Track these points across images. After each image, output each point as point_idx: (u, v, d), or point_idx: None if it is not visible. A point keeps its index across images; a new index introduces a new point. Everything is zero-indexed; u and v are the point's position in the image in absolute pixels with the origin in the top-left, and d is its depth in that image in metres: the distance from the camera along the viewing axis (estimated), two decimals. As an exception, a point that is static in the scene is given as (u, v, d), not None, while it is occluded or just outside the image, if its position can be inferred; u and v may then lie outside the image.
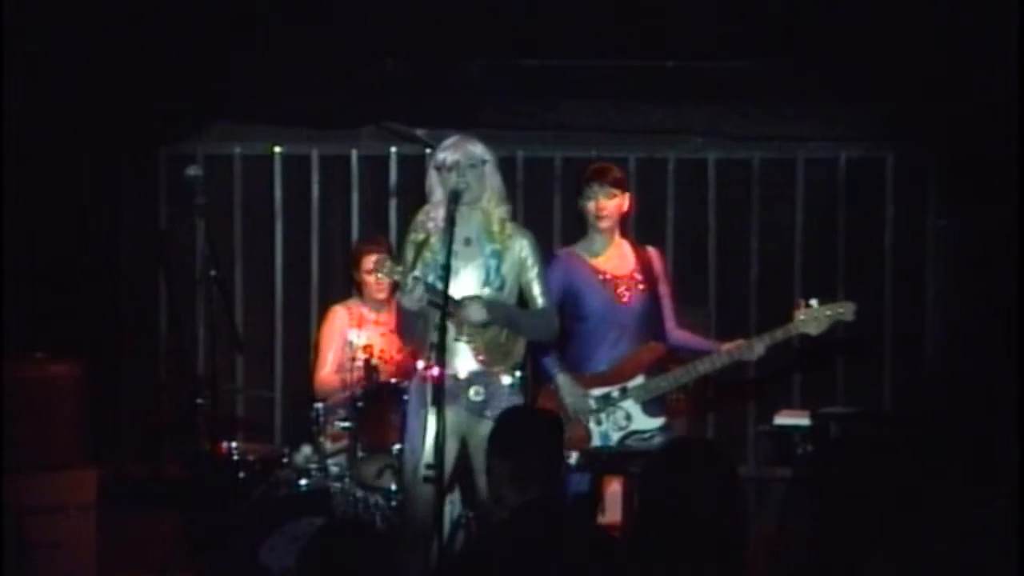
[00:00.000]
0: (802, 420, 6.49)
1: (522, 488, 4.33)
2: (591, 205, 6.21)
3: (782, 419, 6.59)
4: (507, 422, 4.65)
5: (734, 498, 3.58)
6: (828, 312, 6.13)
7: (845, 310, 6.15)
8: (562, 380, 6.07)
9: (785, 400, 7.57)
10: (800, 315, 6.13)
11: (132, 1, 7.23)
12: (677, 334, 6.28)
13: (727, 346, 6.17)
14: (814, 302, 6.14)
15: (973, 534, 6.12)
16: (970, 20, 7.07)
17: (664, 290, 6.29)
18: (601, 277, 6.19)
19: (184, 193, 6.55)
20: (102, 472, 6.92)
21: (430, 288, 5.51)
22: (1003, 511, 6.09)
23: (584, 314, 6.13)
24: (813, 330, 6.14)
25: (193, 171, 6.25)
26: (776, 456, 7.38)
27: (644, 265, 6.25)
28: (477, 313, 5.56)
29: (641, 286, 6.21)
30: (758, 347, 6.14)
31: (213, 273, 6.20)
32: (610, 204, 6.21)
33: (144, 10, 7.19)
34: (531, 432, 4.50)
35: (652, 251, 6.34)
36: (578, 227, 6.42)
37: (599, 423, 6.09)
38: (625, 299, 6.18)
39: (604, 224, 6.22)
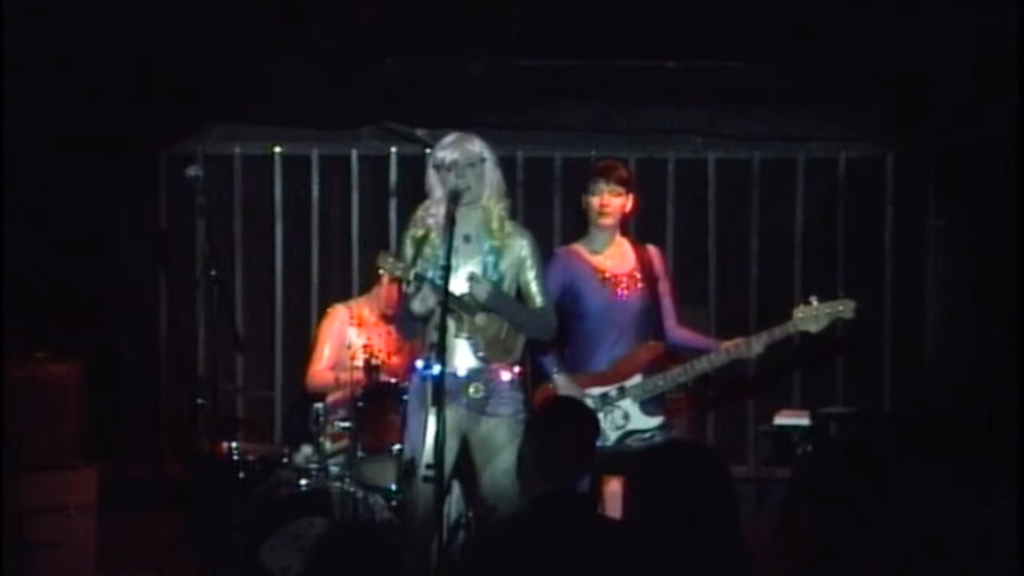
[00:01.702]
0: (802, 420, 6.50)
1: (547, 476, 4.33)
2: (595, 201, 6.18)
3: (782, 419, 6.60)
4: (541, 409, 4.67)
5: (725, 497, 3.59)
6: (828, 310, 6.10)
7: (845, 308, 6.12)
8: (560, 379, 6.05)
9: (785, 400, 7.57)
10: (799, 313, 6.10)
11: (132, 2, 7.23)
12: (677, 332, 6.26)
13: (726, 344, 6.15)
14: (814, 300, 6.12)
15: (973, 534, 6.12)
16: (970, 20, 7.07)
17: (664, 288, 6.27)
18: (601, 275, 6.18)
19: (184, 193, 6.55)
20: (102, 472, 6.92)
21: (432, 284, 5.50)
22: (1003, 511, 6.09)
23: (584, 312, 6.12)
24: (813, 328, 6.11)
25: (193, 171, 6.24)
26: (776, 456, 7.38)
27: (644, 264, 6.23)
28: (482, 290, 5.56)
29: (641, 284, 6.20)
30: (757, 345, 6.12)
31: (213, 273, 6.19)
32: (614, 202, 6.19)
33: (144, 11, 7.19)
34: (562, 421, 4.52)
35: (652, 249, 6.32)
36: (579, 225, 6.40)
37: (597, 422, 6.08)
38: (625, 297, 6.17)
39: (606, 221, 6.20)
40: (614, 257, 6.23)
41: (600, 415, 6.07)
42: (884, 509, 6.28)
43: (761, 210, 7.90)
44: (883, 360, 7.86)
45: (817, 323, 6.09)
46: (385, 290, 6.67)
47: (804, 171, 7.87)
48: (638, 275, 6.20)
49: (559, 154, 7.87)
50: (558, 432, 4.45)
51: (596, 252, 6.21)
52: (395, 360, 6.59)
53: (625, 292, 6.17)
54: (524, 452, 4.51)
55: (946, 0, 7.15)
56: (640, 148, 7.84)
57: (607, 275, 6.18)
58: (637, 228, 7.74)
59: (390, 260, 5.62)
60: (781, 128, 7.80)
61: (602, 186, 6.18)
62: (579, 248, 6.24)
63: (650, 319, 6.20)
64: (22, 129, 7.09)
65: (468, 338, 5.63)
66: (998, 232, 7.34)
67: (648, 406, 6.11)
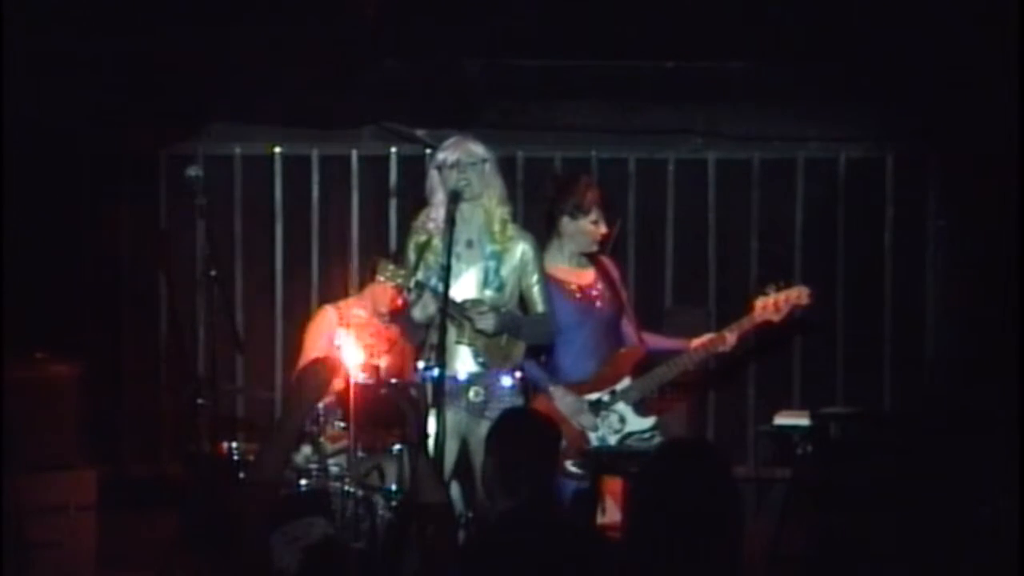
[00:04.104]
0: (802, 420, 6.50)
1: (509, 491, 4.31)
2: (594, 229, 6.19)
3: (782, 419, 6.60)
4: (498, 425, 4.64)
5: (729, 497, 3.58)
6: (784, 297, 6.19)
7: (800, 294, 6.21)
8: (555, 390, 6.08)
9: (785, 400, 7.57)
10: (759, 304, 6.20)
11: (132, 1, 7.23)
12: (640, 338, 6.30)
13: (697, 342, 6.22)
14: (771, 290, 6.20)
15: (973, 534, 6.12)
16: (970, 20, 7.07)
17: (622, 296, 6.32)
18: (571, 289, 6.19)
19: (184, 193, 6.55)
20: (102, 472, 6.92)
21: (434, 292, 5.51)
22: (1003, 511, 6.09)
23: (558, 326, 6.12)
24: (775, 317, 6.22)
25: (193, 171, 6.24)
26: (776, 456, 7.38)
27: (603, 274, 6.29)
28: (487, 323, 5.57)
29: (607, 293, 6.25)
30: (730, 338, 6.19)
31: (213, 273, 6.19)
32: (606, 230, 6.25)
33: (144, 10, 7.19)
34: (519, 436, 4.46)
35: (605, 260, 6.37)
36: (547, 234, 6.33)
37: (595, 428, 6.11)
38: (596, 304, 6.21)
39: (596, 248, 6.26)
40: (578, 271, 6.26)
41: (597, 421, 6.11)
42: (884, 509, 6.28)
43: (761, 210, 7.90)
44: (883, 360, 7.86)
45: (777, 313, 6.18)
46: (380, 289, 6.67)
47: (804, 171, 7.87)
48: (601, 285, 6.24)
49: (559, 154, 7.87)
50: (515, 447, 4.39)
51: (563, 267, 6.22)
52: (386, 360, 6.59)
53: (595, 301, 6.21)
54: (485, 469, 4.47)
55: (947, 0, 7.15)
56: (640, 148, 7.84)
57: (577, 288, 6.20)
58: (638, 228, 7.77)
59: (390, 268, 5.63)
60: (781, 128, 7.80)
61: (599, 215, 6.20)
62: (546, 266, 6.21)
63: (618, 326, 6.26)
64: (22, 129, 7.09)
65: (468, 344, 5.65)
66: (998, 232, 7.34)
67: (641, 407, 6.16)
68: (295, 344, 7.70)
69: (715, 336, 6.22)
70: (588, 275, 6.27)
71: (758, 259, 7.86)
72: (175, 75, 7.38)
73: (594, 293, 6.23)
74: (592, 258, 6.30)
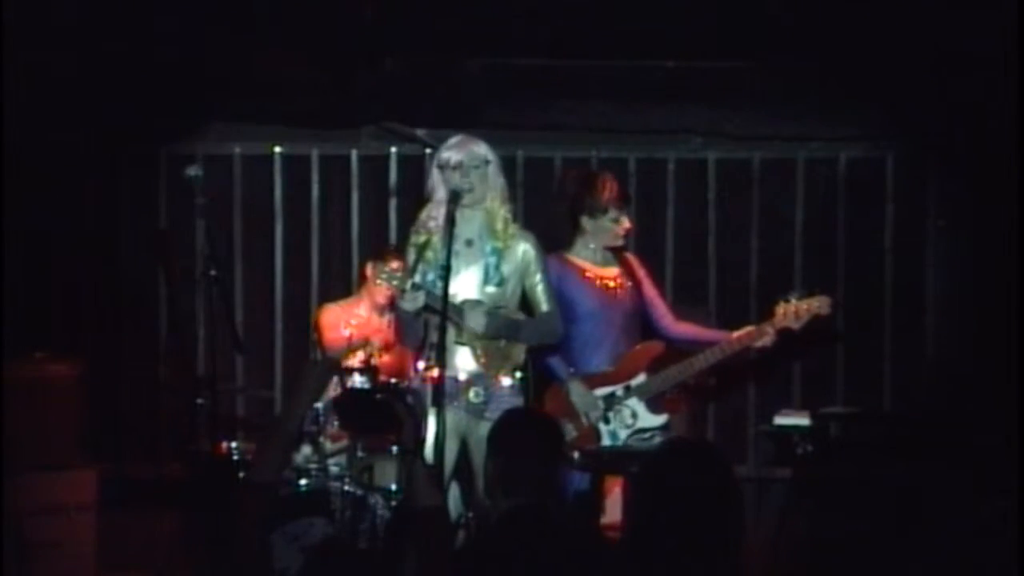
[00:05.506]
0: (802, 420, 6.51)
1: (510, 492, 4.32)
2: (615, 226, 6.25)
3: (782, 419, 6.60)
4: (501, 425, 4.65)
5: (730, 498, 3.59)
6: (806, 307, 6.19)
7: (821, 304, 6.23)
8: (572, 383, 6.10)
9: (785, 400, 7.57)
10: (780, 310, 6.18)
11: (133, 1, 7.23)
12: (680, 328, 6.35)
13: (738, 334, 6.22)
14: (793, 298, 6.20)
15: (973, 534, 6.12)
16: (970, 20, 7.07)
17: (651, 291, 6.37)
18: (592, 279, 6.23)
19: (184, 193, 6.55)
20: (102, 472, 6.92)
21: (431, 294, 5.52)
22: (1003, 511, 6.09)
23: (578, 315, 6.15)
24: (794, 325, 6.21)
25: (193, 171, 6.25)
26: (776, 456, 7.38)
27: (626, 269, 6.33)
28: (476, 321, 5.58)
29: (629, 286, 6.28)
30: (771, 330, 6.19)
31: (213, 273, 6.20)
32: (629, 224, 6.29)
33: (144, 10, 7.20)
34: (521, 436, 4.47)
35: (630, 256, 6.40)
36: (565, 230, 6.37)
37: (607, 422, 6.14)
38: (618, 297, 6.24)
39: (620, 243, 6.31)
40: (601, 263, 6.30)
41: (610, 415, 6.14)
42: (884, 509, 6.28)
43: (761, 210, 7.90)
44: (883, 360, 7.86)
45: (797, 320, 6.17)
46: (373, 286, 6.73)
47: (804, 171, 7.87)
48: (624, 279, 6.27)
49: (559, 154, 7.87)
50: (517, 447, 4.40)
51: (586, 259, 6.25)
52: (384, 358, 6.60)
53: (617, 293, 6.23)
54: (487, 469, 4.48)
55: (946, 0, 7.16)
56: (640, 148, 7.84)
57: (598, 278, 6.23)
58: (637, 228, 7.76)
59: (386, 271, 5.66)
60: (781, 128, 7.79)
61: (619, 211, 6.24)
62: (568, 256, 6.27)
63: (639, 321, 6.29)
64: (22, 129, 7.08)
65: (467, 345, 5.66)
66: (998, 232, 7.34)
67: (653, 404, 6.18)
68: (295, 344, 7.73)
69: (755, 328, 6.21)
70: (611, 271, 6.30)
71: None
72: (175, 75, 7.38)
73: (612, 284, 6.26)
74: (618, 255, 6.32)
